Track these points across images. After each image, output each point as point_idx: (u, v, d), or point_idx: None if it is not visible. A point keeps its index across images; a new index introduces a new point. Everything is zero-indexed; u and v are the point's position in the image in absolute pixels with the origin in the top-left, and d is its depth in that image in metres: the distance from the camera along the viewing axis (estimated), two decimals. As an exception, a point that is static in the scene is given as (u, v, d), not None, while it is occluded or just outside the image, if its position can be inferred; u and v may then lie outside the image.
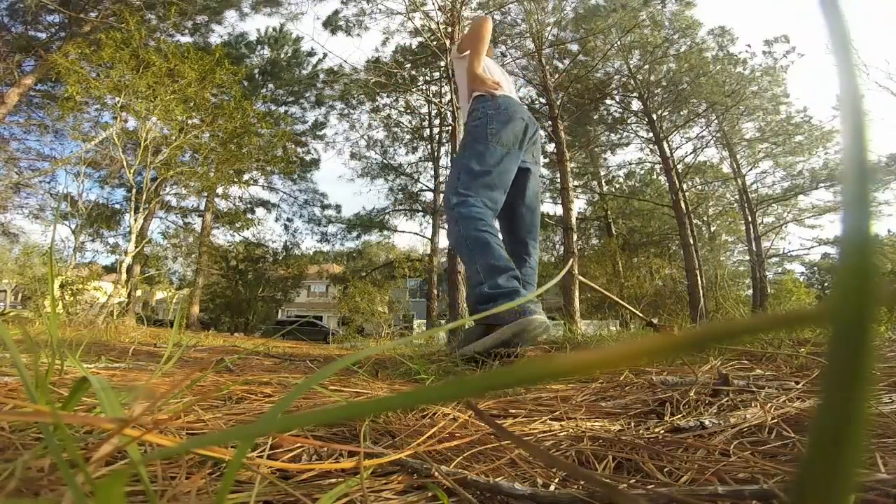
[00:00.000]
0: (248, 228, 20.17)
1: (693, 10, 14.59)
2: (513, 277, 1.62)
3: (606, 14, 13.43)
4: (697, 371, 0.87)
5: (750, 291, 16.91)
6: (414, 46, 15.77)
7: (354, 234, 19.31)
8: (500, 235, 1.80)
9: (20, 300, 18.06)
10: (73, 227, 9.83)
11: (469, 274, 1.73)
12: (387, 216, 18.65)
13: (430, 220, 16.71)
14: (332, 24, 14.90)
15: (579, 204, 19.05)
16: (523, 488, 0.37)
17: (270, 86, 19.66)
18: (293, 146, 18.69)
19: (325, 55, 20.98)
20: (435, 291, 15.75)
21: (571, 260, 10.66)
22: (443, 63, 13.34)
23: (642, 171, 20.24)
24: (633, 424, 0.60)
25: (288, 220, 20.62)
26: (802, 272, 28.31)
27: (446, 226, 1.90)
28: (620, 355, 0.12)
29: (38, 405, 0.36)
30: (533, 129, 2.00)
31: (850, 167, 0.11)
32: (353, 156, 18.47)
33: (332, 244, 20.06)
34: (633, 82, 15.54)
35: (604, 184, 19.90)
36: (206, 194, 16.51)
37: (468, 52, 2.03)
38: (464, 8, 12.91)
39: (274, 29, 19.74)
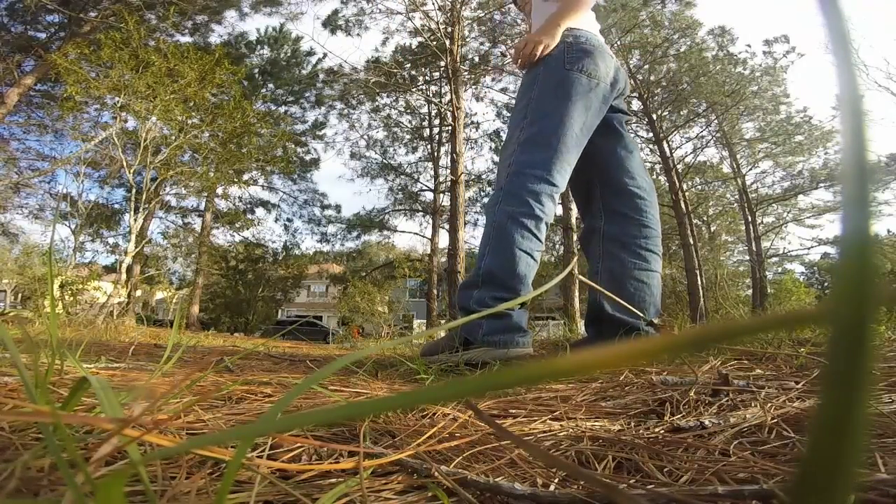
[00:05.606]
0: (247, 228, 20.20)
1: (693, 10, 14.60)
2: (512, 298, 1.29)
3: (606, 14, 13.43)
4: (697, 371, 0.87)
5: (750, 291, 16.91)
6: (414, 46, 15.78)
7: (354, 234, 19.33)
8: (541, 233, 1.36)
9: (20, 300, 18.05)
10: (72, 227, 9.84)
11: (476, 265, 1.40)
12: (387, 216, 18.66)
13: (430, 220, 16.71)
14: (331, 23, 14.91)
15: (579, 204, 18.99)
16: (523, 488, 0.37)
17: (270, 86, 19.68)
18: (293, 146, 18.70)
19: (324, 55, 21.06)
20: (435, 291, 15.74)
21: (573, 260, 10.68)
22: (443, 63, 13.34)
23: (642, 171, 20.22)
24: (633, 424, 0.60)
25: (288, 220, 20.67)
26: (802, 272, 28.37)
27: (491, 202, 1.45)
28: (620, 355, 0.12)
29: (38, 405, 0.36)
30: (624, 79, 1.55)
31: (850, 167, 0.11)
32: (353, 156, 18.50)
33: (332, 244, 20.08)
34: (632, 82, 15.53)
35: (604, 184, 19.84)
36: (205, 194, 16.52)
37: None
38: (464, 8, 12.94)
39: (274, 29, 19.77)
